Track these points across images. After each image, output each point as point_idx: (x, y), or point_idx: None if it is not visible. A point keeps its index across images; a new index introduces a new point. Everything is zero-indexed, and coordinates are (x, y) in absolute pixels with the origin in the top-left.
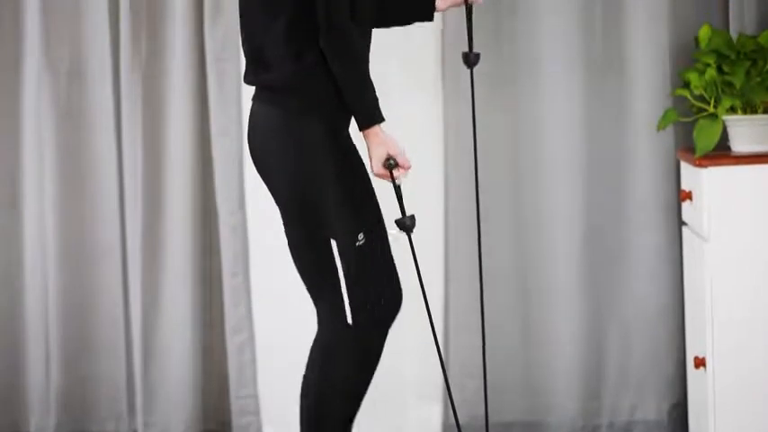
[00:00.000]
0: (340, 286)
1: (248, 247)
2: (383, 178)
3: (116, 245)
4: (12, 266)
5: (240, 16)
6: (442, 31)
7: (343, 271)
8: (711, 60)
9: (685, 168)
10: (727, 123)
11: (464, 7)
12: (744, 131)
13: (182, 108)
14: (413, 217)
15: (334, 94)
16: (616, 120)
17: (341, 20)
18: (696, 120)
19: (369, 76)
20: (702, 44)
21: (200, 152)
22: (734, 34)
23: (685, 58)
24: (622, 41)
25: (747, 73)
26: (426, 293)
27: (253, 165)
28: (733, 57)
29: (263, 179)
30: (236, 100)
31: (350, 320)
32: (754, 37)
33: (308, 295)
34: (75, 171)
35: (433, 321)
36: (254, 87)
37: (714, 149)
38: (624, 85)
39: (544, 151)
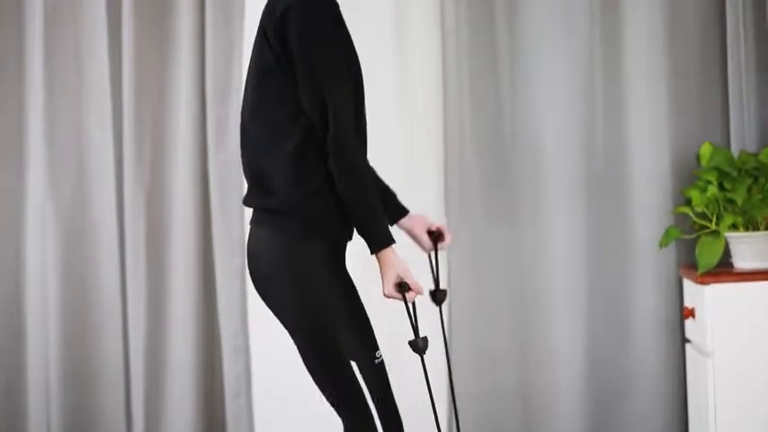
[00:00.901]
0: (367, 403)
1: (251, 368)
2: (393, 298)
3: (119, 364)
4: (14, 416)
5: (242, 140)
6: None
7: (369, 389)
8: (713, 178)
9: (688, 285)
10: (729, 240)
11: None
12: (746, 248)
13: (185, 232)
14: (426, 339)
15: (338, 215)
16: (618, 238)
17: (351, 144)
18: (698, 237)
19: (377, 198)
20: (704, 161)
21: (203, 274)
22: (735, 151)
23: (687, 175)
24: (624, 159)
25: (749, 190)
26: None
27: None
28: (734, 174)
29: (269, 307)
30: (240, 223)
31: None
32: (755, 154)
33: (310, 418)
34: (79, 291)
35: None
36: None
37: (716, 266)
38: (626, 203)
39: (546, 270)
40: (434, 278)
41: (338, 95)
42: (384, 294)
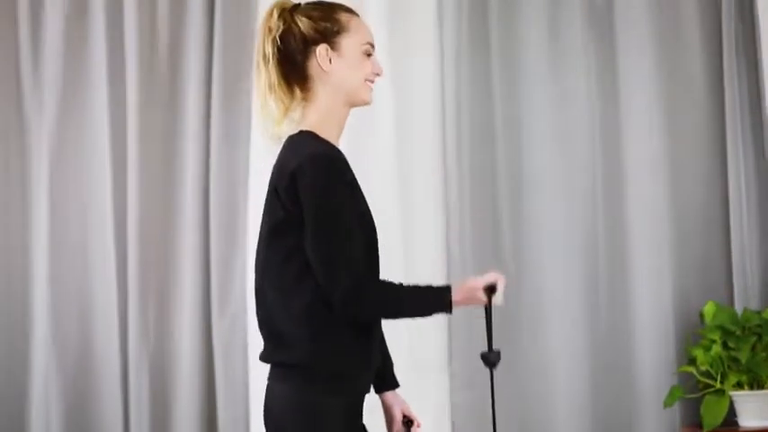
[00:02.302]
0: None
1: None
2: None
3: None
4: None
5: (257, 298)
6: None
7: None
8: (717, 336)
9: None
10: (735, 399)
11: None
12: (751, 407)
13: (189, 397)
14: (498, 353)
15: (356, 370)
16: (621, 396)
17: (362, 296)
18: (703, 396)
19: (405, 292)
20: (708, 320)
21: (206, 428)
22: (738, 309)
23: (690, 332)
24: (627, 318)
25: (753, 348)
26: None
27: None
28: (738, 332)
29: None
30: (243, 385)
31: None
32: (759, 312)
33: None
34: None
35: None
36: (268, 365)
37: (722, 425)
38: (629, 361)
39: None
40: None
41: (346, 252)
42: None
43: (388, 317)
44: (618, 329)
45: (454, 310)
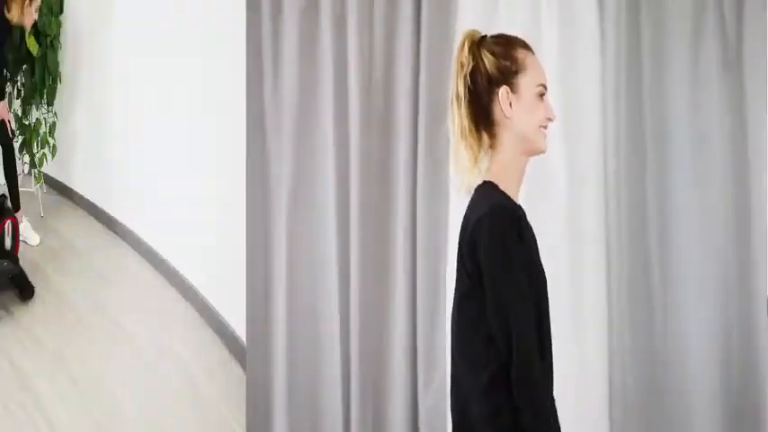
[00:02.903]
0: None
1: None
2: None
3: None
4: None
5: (451, 369)
6: None
7: None
8: None
9: None
10: None
11: None
12: None
13: None
14: None
15: None
16: None
17: (532, 373)
18: None
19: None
20: None
21: None
22: None
23: None
24: None
25: None
26: None
27: None
28: None
29: None
30: None
31: None
32: None
33: None
34: None
35: None
36: None
37: None
38: None
39: None
40: None
41: (520, 319)
42: None
43: (534, 409)
44: None
45: None
